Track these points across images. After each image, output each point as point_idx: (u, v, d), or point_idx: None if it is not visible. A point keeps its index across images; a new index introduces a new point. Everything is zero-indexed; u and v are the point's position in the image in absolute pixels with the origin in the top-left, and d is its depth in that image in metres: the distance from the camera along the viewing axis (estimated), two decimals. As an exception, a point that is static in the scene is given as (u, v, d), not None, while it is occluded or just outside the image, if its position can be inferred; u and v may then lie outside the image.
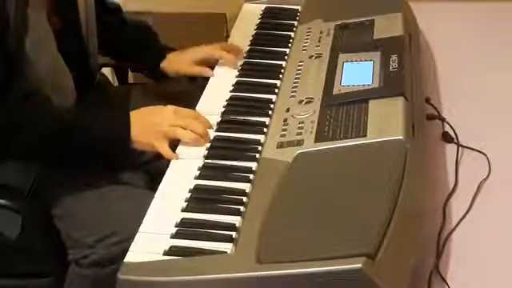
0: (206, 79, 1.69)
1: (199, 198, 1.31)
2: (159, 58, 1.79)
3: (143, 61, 1.83)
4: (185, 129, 1.45)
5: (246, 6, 2.01)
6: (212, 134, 1.47)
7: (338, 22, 1.81)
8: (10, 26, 1.35)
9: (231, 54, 1.75)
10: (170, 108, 1.48)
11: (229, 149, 1.43)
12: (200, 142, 1.45)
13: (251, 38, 1.84)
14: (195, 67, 1.75)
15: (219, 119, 1.52)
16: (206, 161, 1.40)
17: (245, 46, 1.80)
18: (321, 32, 1.80)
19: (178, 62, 1.77)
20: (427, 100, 1.75)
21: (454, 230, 1.45)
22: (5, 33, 1.35)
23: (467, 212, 1.49)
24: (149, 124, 1.45)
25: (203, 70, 1.73)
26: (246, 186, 1.32)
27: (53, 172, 1.50)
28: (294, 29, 1.87)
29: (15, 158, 1.46)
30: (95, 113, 1.48)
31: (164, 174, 1.38)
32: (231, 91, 1.62)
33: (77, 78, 1.55)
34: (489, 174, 1.57)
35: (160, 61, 1.78)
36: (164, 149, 1.44)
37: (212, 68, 1.73)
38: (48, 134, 1.41)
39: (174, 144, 1.46)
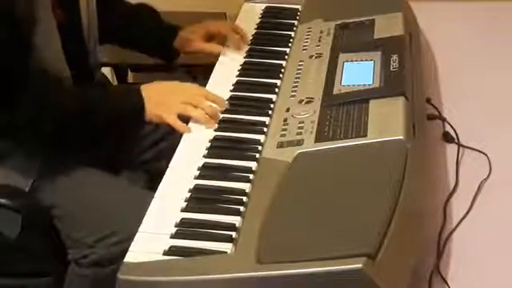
0: (206, 79, 1.69)
1: (199, 198, 1.30)
2: (171, 36, 1.79)
3: (156, 42, 1.81)
4: (195, 107, 1.48)
5: (246, 6, 2.00)
6: (212, 133, 1.47)
7: (339, 22, 1.81)
8: (19, 18, 1.36)
9: (237, 35, 1.77)
10: (182, 84, 1.53)
11: (229, 149, 1.43)
12: (210, 123, 1.47)
13: (251, 38, 1.84)
14: (206, 44, 1.77)
15: (219, 118, 1.51)
16: (206, 161, 1.40)
17: (245, 45, 1.80)
18: (321, 32, 1.80)
19: (188, 39, 1.78)
20: (428, 100, 1.75)
21: (454, 230, 1.45)
22: (15, 23, 1.36)
23: (468, 212, 1.48)
24: (161, 97, 1.49)
25: (212, 47, 1.76)
26: (246, 186, 1.32)
27: (53, 172, 1.50)
28: (294, 28, 1.87)
29: (45, 140, 1.47)
30: (107, 90, 1.54)
31: (164, 174, 1.38)
32: (231, 91, 1.62)
33: (76, 76, 1.55)
34: (489, 174, 1.56)
35: (172, 39, 1.79)
36: (174, 121, 1.47)
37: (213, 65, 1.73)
38: (72, 110, 1.44)
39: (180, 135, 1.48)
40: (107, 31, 1.69)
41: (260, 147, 1.42)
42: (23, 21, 1.37)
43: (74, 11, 1.57)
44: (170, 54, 1.81)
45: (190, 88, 1.54)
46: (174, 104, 1.48)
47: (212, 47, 1.77)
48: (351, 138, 1.37)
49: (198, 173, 1.37)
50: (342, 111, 1.45)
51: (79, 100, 1.47)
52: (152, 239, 1.22)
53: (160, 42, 1.80)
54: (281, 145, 1.41)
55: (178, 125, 1.47)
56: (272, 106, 1.55)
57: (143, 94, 1.48)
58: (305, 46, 1.76)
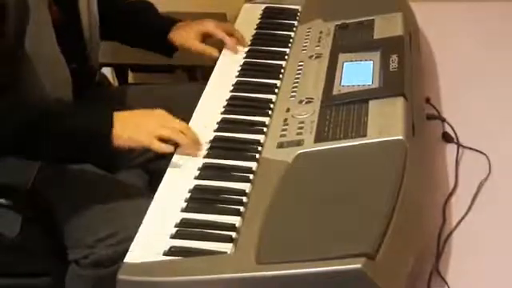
0: (206, 79, 1.69)
1: (199, 198, 1.31)
2: (167, 28, 1.78)
3: (152, 34, 1.79)
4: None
5: (246, 6, 2.01)
6: (212, 134, 1.47)
7: (338, 22, 1.81)
8: (10, 16, 1.35)
9: (233, 38, 1.76)
10: (156, 110, 1.44)
11: (229, 149, 1.43)
12: (196, 147, 1.41)
13: (251, 38, 1.84)
14: (200, 44, 1.75)
15: (219, 119, 1.52)
16: (205, 161, 1.40)
17: (245, 45, 1.80)
18: (321, 32, 1.80)
19: (183, 35, 1.77)
20: (427, 100, 1.75)
21: (453, 230, 1.45)
22: (3, 22, 1.34)
23: (467, 212, 1.48)
24: (137, 123, 1.41)
25: (211, 50, 1.74)
26: (246, 186, 1.33)
27: (53, 172, 1.50)
28: (294, 29, 1.87)
29: None
30: (79, 107, 1.47)
31: (164, 174, 1.38)
32: (231, 91, 1.62)
33: (76, 73, 1.55)
34: (489, 174, 1.56)
35: (168, 30, 1.77)
36: (155, 144, 1.38)
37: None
38: (23, 122, 1.37)
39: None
40: (106, 28, 1.69)
41: (260, 147, 1.42)
42: (14, 17, 1.35)
43: (71, 9, 1.56)
44: (166, 46, 1.78)
45: (168, 118, 1.43)
46: (150, 129, 1.39)
47: (210, 50, 1.75)
48: (351, 138, 1.38)
49: (197, 173, 1.37)
50: (341, 111, 1.46)
51: (34, 110, 1.39)
52: (152, 239, 1.23)
53: (156, 33, 1.78)
54: (281, 145, 1.42)
55: (163, 147, 1.38)
56: (272, 106, 1.55)
57: (113, 118, 1.39)
58: (304, 46, 1.76)
